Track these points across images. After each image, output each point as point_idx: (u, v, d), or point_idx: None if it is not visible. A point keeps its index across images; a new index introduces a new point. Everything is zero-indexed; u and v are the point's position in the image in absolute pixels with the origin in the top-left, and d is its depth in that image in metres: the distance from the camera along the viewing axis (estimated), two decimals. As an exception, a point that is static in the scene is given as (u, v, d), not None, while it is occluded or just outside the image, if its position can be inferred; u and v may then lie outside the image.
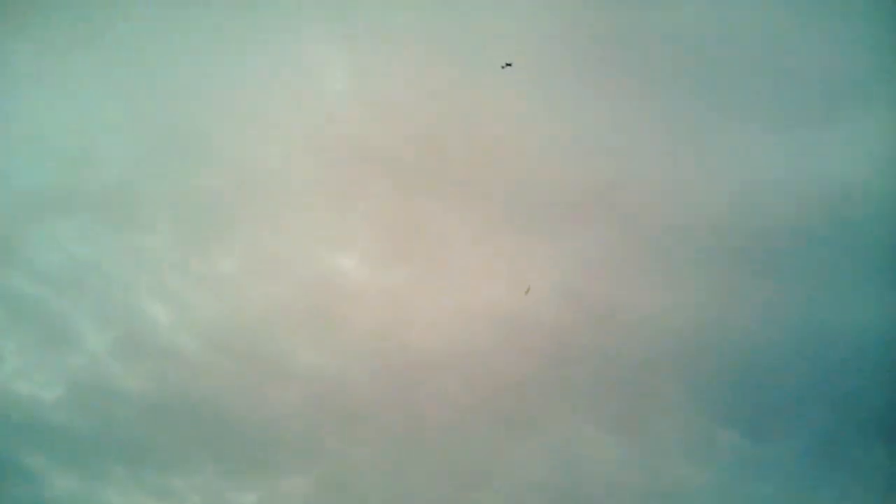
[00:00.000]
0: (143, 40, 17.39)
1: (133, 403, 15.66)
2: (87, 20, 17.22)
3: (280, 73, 17.77)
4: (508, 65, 14.32)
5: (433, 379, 14.36)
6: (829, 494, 15.41)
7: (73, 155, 17.24)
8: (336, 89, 17.09)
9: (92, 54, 17.06)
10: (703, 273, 15.68)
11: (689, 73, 16.60)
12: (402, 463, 15.42)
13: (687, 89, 16.37)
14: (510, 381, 14.31)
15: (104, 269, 16.71)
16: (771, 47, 16.23)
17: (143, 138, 17.52)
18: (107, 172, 17.28)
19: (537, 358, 14.26)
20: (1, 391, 15.27)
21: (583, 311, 14.47)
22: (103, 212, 17.00)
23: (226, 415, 15.61)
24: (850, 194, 15.41)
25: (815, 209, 15.29)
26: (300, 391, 15.93)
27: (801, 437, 13.88)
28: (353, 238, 16.12)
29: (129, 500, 14.99)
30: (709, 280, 15.26)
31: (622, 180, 16.68)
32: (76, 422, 15.38)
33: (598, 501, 15.46)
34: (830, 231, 15.21)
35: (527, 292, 14.71)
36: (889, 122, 15.87)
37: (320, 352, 16.25)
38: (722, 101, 16.61)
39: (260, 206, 17.38)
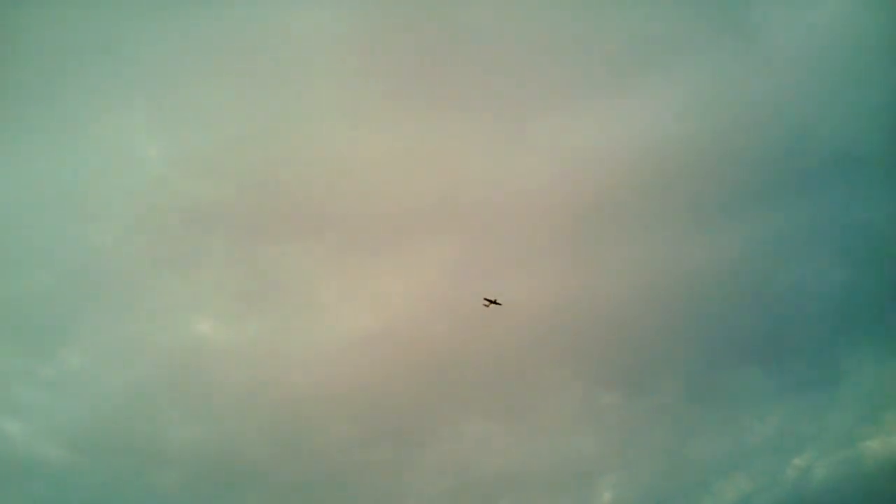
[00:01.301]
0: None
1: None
2: None
3: (88, 151, 16.76)
4: (494, 302, 14.24)
5: (319, 421, 14.23)
6: (707, 428, 16.34)
7: None
8: (153, 155, 16.43)
9: None
10: (555, 253, 16.59)
11: (496, 71, 17.40)
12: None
13: (500, 88, 17.23)
14: (396, 401, 14.49)
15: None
16: (567, 32, 17.03)
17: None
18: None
19: (417, 371, 14.54)
20: None
21: (451, 315, 14.96)
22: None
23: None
24: (662, 145, 16.42)
25: (634, 166, 16.37)
26: (183, 467, 14.86)
27: (676, 381, 14.96)
28: (204, 301, 15.73)
29: None
30: (561, 259, 16.16)
31: (458, 183, 17.20)
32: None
33: (498, 490, 15.54)
34: (652, 187, 16.37)
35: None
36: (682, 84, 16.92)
37: (196, 423, 15.43)
38: (531, 89, 17.47)
39: (100, 293, 16.38)
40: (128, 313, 16.72)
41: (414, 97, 15.78)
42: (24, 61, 15.55)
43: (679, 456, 15.26)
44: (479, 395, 14.97)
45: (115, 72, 16.13)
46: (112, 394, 15.90)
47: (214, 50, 15.72)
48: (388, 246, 15.95)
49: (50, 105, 16.10)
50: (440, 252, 15.76)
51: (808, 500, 15.45)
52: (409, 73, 16.21)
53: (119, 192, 15.69)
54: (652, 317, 15.50)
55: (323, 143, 15.98)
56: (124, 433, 15.60)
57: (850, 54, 13.89)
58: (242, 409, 15.11)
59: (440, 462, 14.75)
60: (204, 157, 15.77)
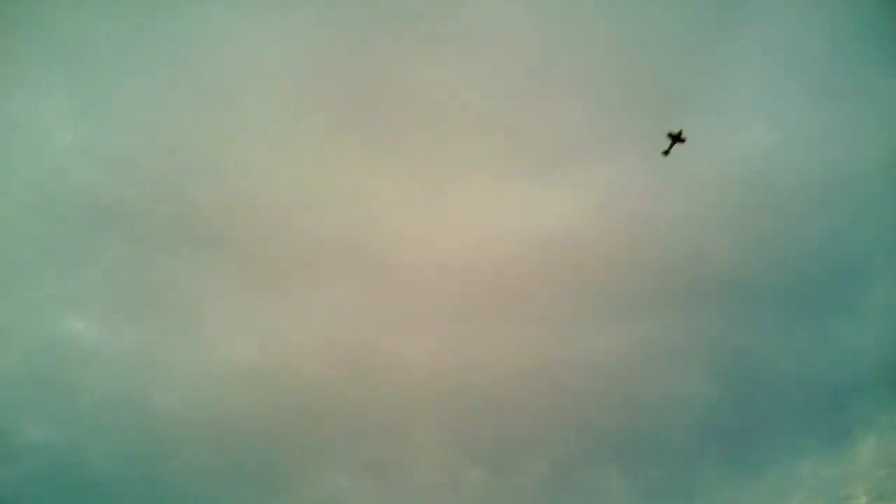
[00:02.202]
0: None
1: None
2: None
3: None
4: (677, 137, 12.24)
5: (182, 446, 13.38)
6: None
7: None
8: (63, 142, 15.37)
9: None
10: (453, 320, 15.58)
11: (428, 127, 16.11)
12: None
13: (427, 142, 15.99)
14: (265, 439, 13.63)
15: None
16: (502, 109, 16.17)
17: None
18: None
19: (292, 413, 13.70)
20: None
21: (337, 360, 14.09)
22: None
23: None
24: (571, 238, 15.65)
25: (542, 253, 15.66)
26: (27, 468, 13.76)
27: (540, 467, 14.59)
28: (85, 300, 14.78)
29: None
30: (458, 326, 15.27)
31: (375, 233, 15.93)
32: None
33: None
34: (553, 275, 15.70)
35: None
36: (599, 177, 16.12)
37: (50, 424, 14.22)
38: (459, 154, 16.45)
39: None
40: (2, 298, 13.62)
41: (348, 136, 14.85)
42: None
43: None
44: (351, 448, 14.22)
45: (40, 43, 14.57)
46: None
47: (156, 48, 14.40)
48: (288, 280, 14.84)
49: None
50: (342, 297, 14.64)
51: None
52: (348, 112, 15.02)
53: (15, 174, 14.42)
54: (527, 399, 15.08)
55: (245, 165, 14.73)
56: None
57: (751, 191, 13.44)
58: (102, 419, 13.97)
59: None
60: (117, 154, 14.50)
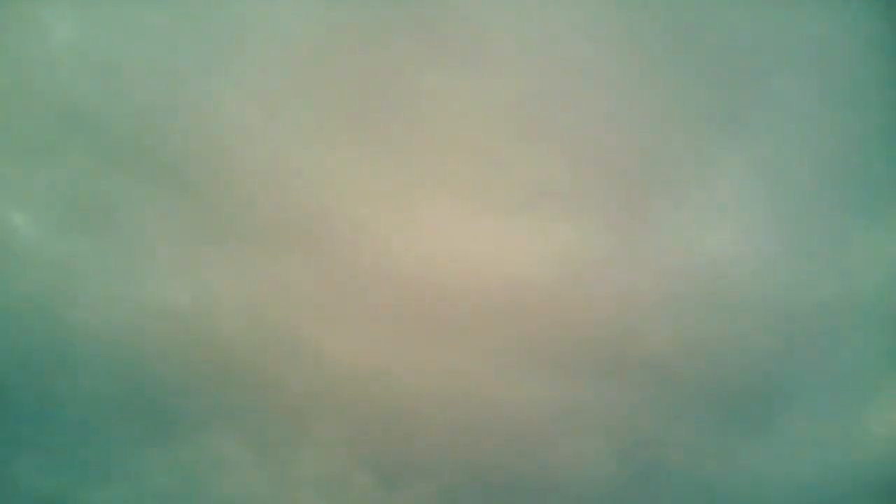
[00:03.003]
0: None
1: None
2: None
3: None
4: None
5: (80, 366, 13.27)
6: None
7: None
8: (57, 38, 15.28)
9: None
10: (382, 323, 15.64)
11: (417, 136, 16.36)
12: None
13: (411, 151, 16.22)
14: (165, 384, 13.49)
15: None
16: (490, 138, 16.37)
17: None
18: None
19: (199, 368, 13.65)
20: None
21: (259, 331, 14.05)
22: None
23: None
24: (522, 286, 15.80)
25: (490, 291, 15.74)
26: None
27: (426, 488, 14.46)
28: (34, 198, 14.67)
29: None
30: (386, 332, 15.30)
31: (331, 217, 16.12)
32: None
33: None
34: (499, 315, 15.73)
35: None
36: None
37: None
38: (438, 169, 16.70)
39: None
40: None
41: (336, 123, 14.88)
42: None
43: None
44: (245, 420, 14.35)
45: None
46: None
47: None
48: (238, 242, 14.84)
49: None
50: (285, 274, 14.59)
51: None
52: (343, 100, 15.09)
53: (2, 62, 14.76)
54: (432, 424, 15.13)
55: (230, 120, 14.78)
56: None
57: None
58: (9, 315, 14.30)
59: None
60: (109, 66, 14.64)
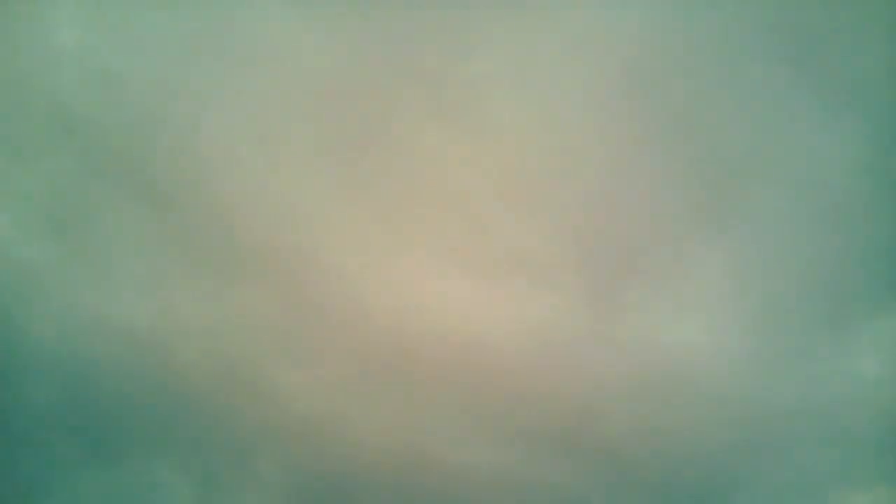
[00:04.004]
0: None
1: None
2: None
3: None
4: None
5: (25, 376, 13.11)
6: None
7: None
8: (61, 43, 15.24)
9: None
10: (343, 366, 15.69)
11: (406, 185, 16.64)
12: None
13: (398, 199, 16.52)
14: (109, 401, 13.44)
15: None
16: (479, 200, 16.74)
17: None
18: None
19: (145, 389, 13.55)
20: None
21: (214, 359, 13.99)
22: None
23: None
24: (492, 349, 16.00)
25: (457, 350, 15.93)
26: None
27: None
28: (10, 195, 14.59)
29: None
30: (344, 374, 15.31)
31: (305, 252, 16.28)
32: None
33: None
34: (461, 375, 15.94)
35: None
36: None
37: None
38: (422, 222, 17.02)
39: None
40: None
41: (325, 157, 14.96)
42: None
43: None
44: (184, 448, 14.14)
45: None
46: None
47: None
48: (206, 267, 14.79)
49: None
50: (250, 302, 14.58)
51: None
52: (336, 133, 15.25)
53: (3, 62, 14.72)
54: (376, 472, 15.23)
55: (219, 143, 14.87)
56: None
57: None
58: None
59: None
60: (107, 74, 14.66)
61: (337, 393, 14.36)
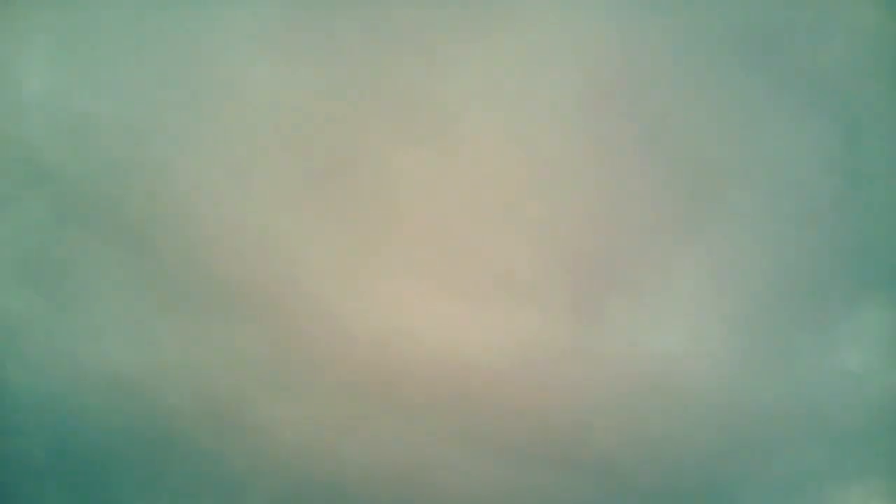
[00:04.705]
0: None
1: None
2: None
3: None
4: None
5: (6, 425, 12.70)
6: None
7: None
8: (30, 89, 14.72)
9: None
10: (334, 397, 15.34)
11: (384, 212, 16.34)
12: None
13: (378, 227, 16.17)
14: (85, 448, 12.99)
15: None
16: (461, 222, 16.64)
17: None
18: None
19: (126, 437, 13.13)
20: None
21: (201, 403, 13.64)
22: None
23: None
24: (477, 370, 15.87)
25: (442, 374, 15.71)
26: None
27: None
28: None
29: None
30: (336, 405, 14.95)
31: (288, 286, 15.93)
32: None
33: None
34: (447, 398, 15.69)
35: None
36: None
37: None
38: (403, 249, 16.76)
39: None
40: None
41: (302, 191, 14.62)
42: None
43: None
44: (177, 490, 13.76)
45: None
46: None
47: (157, 36, 14.31)
48: (186, 309, 14.22)
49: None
50: (236, 343, 14.07)
51: None
52: (313, 167, 14.98)
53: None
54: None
55: (195, 184, 14.35)
56: None
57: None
58: None
59: None
60: (76, 120, 14.13)
61: (327, 423, 14.09)
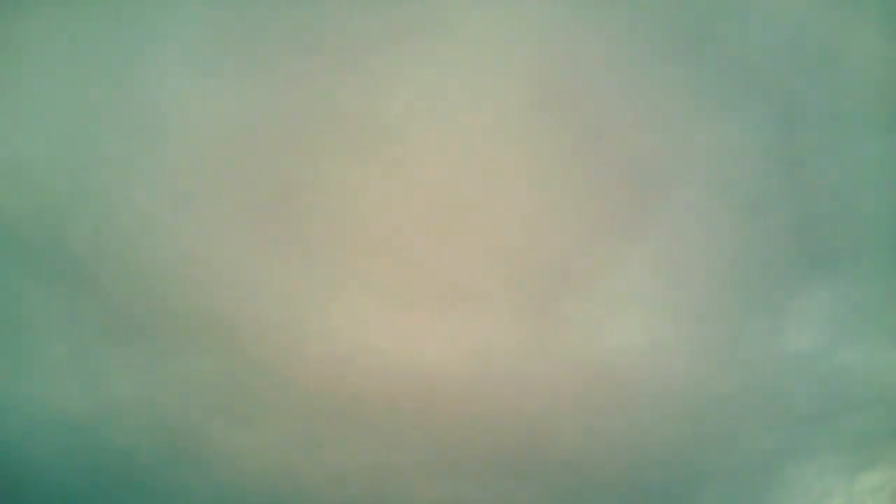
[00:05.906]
0: None
1: None
2: None
3: None
4: None
5: None
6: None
7: None
8: None
9: None
10: (293, 417, 14.89)
11: (331, 231, 15.85)
12: None
13: (326, 245, 15.70)
14: (58, 498, 12.32)
15: None
16: (408, 235, 16.34)
17: None
18: None
19: (97, 486, 12.52)
20: None
21: (158, 436, 13.20)
22: None
23: None
24: (433, 381, 15.58)
25: (400, 386, 15.35)
26: None
27: None
28: None
29: None
30: (296, 426, 14.45)
31: (240, 312, 15.30)
32: None
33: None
34: (406, 412, 15.27)
35: None
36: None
37: None
38: (351, 265, 16.35)
39: None
40: None
41: (247, 216, 13.90)
42: None
43: None
44: None
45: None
46: None
47: (93, 72, 13.58)
48: (140, 342, 13.45)
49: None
50: (192, 371, 13.44)
51: None
52: (256, 195, 14.36)
53: None
54: None
55: (139, 217, 13.30)
56: None
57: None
58: None
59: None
60: (13, 162, 13.44)
61: (290, 447, 13.65)
